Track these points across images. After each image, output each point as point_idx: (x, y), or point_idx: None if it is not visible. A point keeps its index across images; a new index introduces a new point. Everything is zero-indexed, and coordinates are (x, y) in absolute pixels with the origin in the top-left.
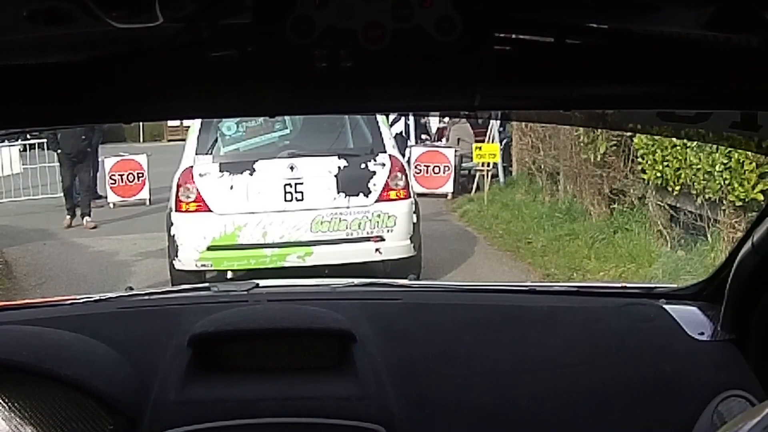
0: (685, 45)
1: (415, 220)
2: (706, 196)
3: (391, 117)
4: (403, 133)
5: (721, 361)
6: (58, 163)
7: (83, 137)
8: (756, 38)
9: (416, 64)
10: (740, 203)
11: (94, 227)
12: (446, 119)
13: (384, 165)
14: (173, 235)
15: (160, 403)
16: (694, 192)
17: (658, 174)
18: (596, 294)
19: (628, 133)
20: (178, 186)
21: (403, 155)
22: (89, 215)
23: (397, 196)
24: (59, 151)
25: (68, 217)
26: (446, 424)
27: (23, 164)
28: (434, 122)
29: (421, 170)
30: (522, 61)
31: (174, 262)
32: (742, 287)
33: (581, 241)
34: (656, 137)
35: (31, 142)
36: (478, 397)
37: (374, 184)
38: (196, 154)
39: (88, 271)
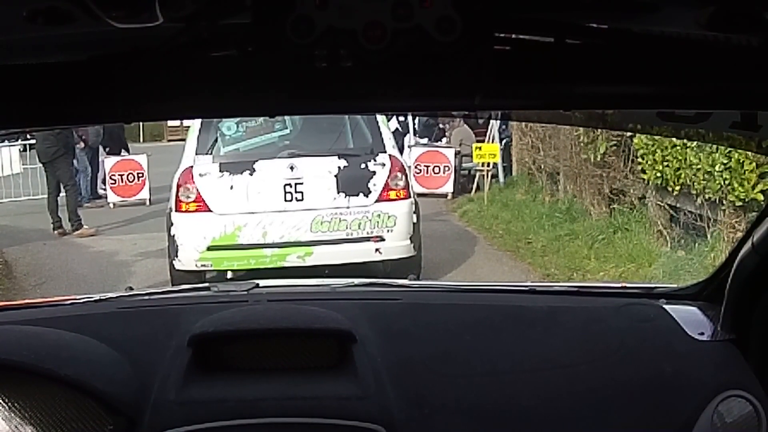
0: (685, 45)
1: (415, 220)
2: (706, 196)
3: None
4: (399, 128)
5: (721, 361)
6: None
7: (50, 144)
8: (756, 38)
9: (416, 64)
10: (740, 203)
11: (93, 234)
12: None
13: (384, 165)
14: (173, 235)
15: (160, 403)
16: (694, 192)
17: (658, 174)
18: (596, 294)
19: (628, 133)
20: (178, 186)
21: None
22: (80, 222)
23: (397, 196)
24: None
25: (56, 232)
26: (446, 424)
27: (23, 164)
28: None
29: (421, 170)
30: (522, 61)
31: (174, 262)
32: (742, 287)
33: (581, 241)
34: (656, 137)
35: (31, 142)
36: (478, 397)
37: (374, 184)
38: (196, 154)
39: (88, 271)
